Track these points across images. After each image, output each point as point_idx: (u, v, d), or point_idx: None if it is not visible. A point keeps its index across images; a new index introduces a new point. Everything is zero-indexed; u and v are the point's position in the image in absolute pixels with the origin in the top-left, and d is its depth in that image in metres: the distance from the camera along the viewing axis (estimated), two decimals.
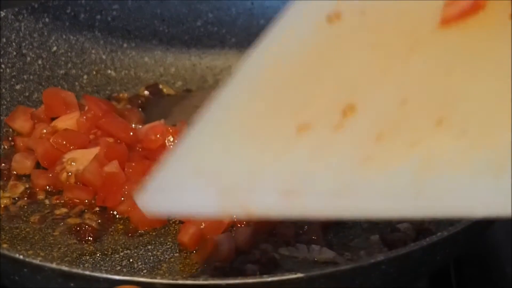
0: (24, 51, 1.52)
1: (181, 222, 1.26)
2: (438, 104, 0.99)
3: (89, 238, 1.24)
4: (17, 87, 1.51)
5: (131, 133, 1.38)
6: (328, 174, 0.98)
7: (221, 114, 1.12)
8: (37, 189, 1.34)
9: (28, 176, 1.37)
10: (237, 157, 1.03)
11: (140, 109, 1.53)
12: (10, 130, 1.46)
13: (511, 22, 1.02)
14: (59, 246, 1.23)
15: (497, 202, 0.89)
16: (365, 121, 1.00)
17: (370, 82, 1.05)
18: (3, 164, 1.39)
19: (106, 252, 1.22)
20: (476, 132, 0.94)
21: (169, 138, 1.35)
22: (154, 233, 1.26)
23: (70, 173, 1.33)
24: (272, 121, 1.07)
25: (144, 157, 1.36)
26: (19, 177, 1.38)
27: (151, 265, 1.19)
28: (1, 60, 1.49)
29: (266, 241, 1.22)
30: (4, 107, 1.48)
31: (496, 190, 0.90)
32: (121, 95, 1.60)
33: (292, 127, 1.04)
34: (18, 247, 1.23)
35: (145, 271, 1.18)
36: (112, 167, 1.31)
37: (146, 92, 1.61)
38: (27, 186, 1.35)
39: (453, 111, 0.97)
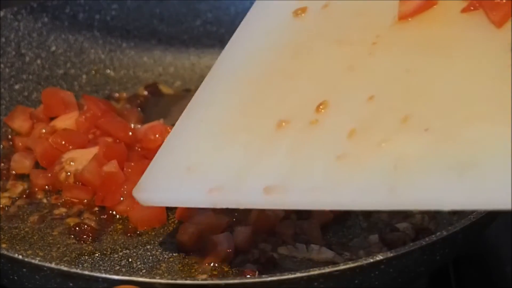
0: (23, 51, 1.52)
1: (181, 222, 1.26)
2: (402, 101, 1.02)
3: (88, 237, 1.24)
4: (16, 86, 1.51)
5: (130, 133, 1.38)
6: (307, 170, 1.02)
7: (204, 112, 1.15)
8: (36, 189, 1.34)
9: (27, 176, 1.37)
10: (223, 155, 1.09)
11: (139, 108, 1.53)
12: (9, 129, 1.46)
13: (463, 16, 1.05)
14: (58, 246, 1.23)
15: (464, 198, 0.92)
16: (337, 117, 1.05)
17: (339, 78, 1.10)
18: (2, 164, 1.39)
19: (105, 252, 1.22)
20: (439, 129, 0.97)
21: None
22: (153, 233, 1.26)
23: (69, 173, 1.33)
24: (253, 118, 1.12)
25: (143, 157, 1.35)
26: (18, 177, 1.37)
27: (150, 264, 1.19)
28: (0, 60, 1.49)
29: (265, 240, 1.22)
30: (3, 106, 1.48)
31: (461, 188, 0.92)
32: (120, 94, 1.60)
33: (272, 123, 1.09)
34: (17, 247, 1.23)
35: (144, 271, 1.18)
36: (111, 166, 1.31)
37: (145, 92, 1.60)
38: (26, 186, 1.35)
39: (416, 108, 1.01)
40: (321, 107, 1.07)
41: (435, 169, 0.94)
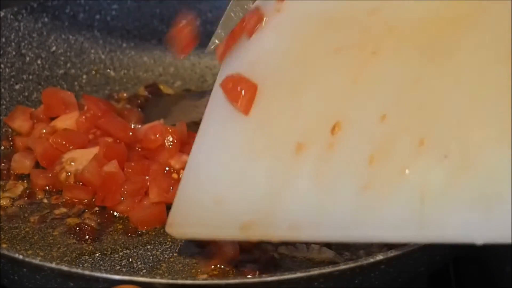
0: (23, 51, 1.52)
1: None
2: (415, 120, 1.00)
3: (89, 237, 1.24)
4: (16, 87, 1.51)
5: (130, 133, 1.38)
6: (333, 205, 1.01)
7: (220, 133, 1.14)
8: (37, 189, 1.34)
9: (27, 176, 1.37)
10: (247, 184, 1.09)
11: (139, 108, 1.53)
12: (10, 130, 1.46)
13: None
14: (59, 246, 1.23)
15: (495, 232, 0.91)
16: (353, 140, 1.03)
17: (346, 93, 1.07)
18: (2, 164, 1.39)
19: (105, 252, 1.22)
20: (458, 154, 0.95)
21: (168, 138, 1.35)
22: (153, 233, 1.26)
23: (69, 173, 1.33)
24: (270, 140, 1.10)
25: (143, 157, 1.36)
26: (18, 177, 1.37)
27: (150, 264, 1.19)
28: (0, 60, 1.49)
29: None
30: (3, 107, 1.48)
31: (491, 222, 0.91)
32: (120, 94, 1.60)
33: (290, 146, 1.08)
34: (18, 247, 1.23)
35: (144, 270, 1.18)
36: (111, 166, 1.31)
37: (145, 92, 1.60)
38: (26, 186, 1.35)
39: (432, 129, 0.98)
40: (336, 129, 1.05)
41: (462, 203, 0.93)
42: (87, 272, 1.02)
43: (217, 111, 1.18)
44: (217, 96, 1.19)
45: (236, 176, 1.11)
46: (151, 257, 1.21)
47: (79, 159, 1.34)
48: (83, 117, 1.41)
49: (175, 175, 1.32)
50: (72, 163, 1.34)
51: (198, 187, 1.14)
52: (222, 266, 1.17)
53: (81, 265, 1.19)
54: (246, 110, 1.14)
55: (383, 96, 1.04)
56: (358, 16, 1.11)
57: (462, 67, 1.00)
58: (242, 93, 1.15)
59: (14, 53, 1.51)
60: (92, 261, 1.20)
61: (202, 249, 1.21)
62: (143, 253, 1.22)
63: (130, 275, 1.02)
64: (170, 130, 1.36)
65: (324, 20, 1.14)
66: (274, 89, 1.14)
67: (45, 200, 1.33)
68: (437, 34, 1.04)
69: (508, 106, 0.94)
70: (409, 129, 1.00)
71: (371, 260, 1.03)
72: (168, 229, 1.16)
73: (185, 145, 1.36)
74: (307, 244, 1.21)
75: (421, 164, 0.97)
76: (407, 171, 0.97)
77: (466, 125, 0.96)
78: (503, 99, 0.95)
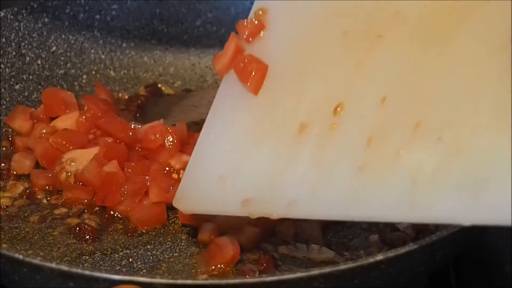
0: (23, 51, 1.52)
1: (184, 225, 1.26)
2: (413, 104, 1.03)
3: (89, 237, 1.24)
4: (16, 87, 1.51)
5: (130, 133, 1.38)
6: (331, 184, 1.05)
7: (228, 115, 1.17)
8: (37, 189, 1.34)
9: (27, 176, 1.37)
10: (251, 162, 1.13)
11: (139, 108, 1.54)
12: (10, 130, 1.46)
13: None
14: (59, 246, 1.23)
15: (481, 215, 0.94)
16: (354, 121, 1.07)
17: (350, 76, 1.10)
18: (2, 164, 1.39)
19: (105, 252, 1.22)
20: (450, 139, 0.98)
21: (168, 138, 1.35)
22: (153, 233, 1.26)
23: (69, 173, 1.33)
24: (275, 121, 1.14)
25: (143, 157, 1.36)
26: (18, 177, 1.38)
27: (150, 264, 1.19)
28: (1, 60, 1.49)
29: (266, 240, 1.22)
30: (3, 107, 1.48)
31: (477, 205, 0.94)
32: (120, 94, 1.60)
33: (293, 127, 1.11)
34: (18, 246, 1.23)
35: (144, 270, 1.18)
36: (112, 166, 1.31)
37: (145, 92, 1.61)
38: (26, 186, 1.35)
39: (427, 113, 1.02)
40: (338, 109, 1.09)
41: (451, 186, 0.96)
42: (87, 272, 1.02)
43: (228, 91, 1.21)
44: (230, 77, 1.21)
45: (241, 154, 1.14)
46: (151, 257, 1.21)
47: (79, 159, 1.34)
48: (83, 117, 1.41)
49: (175, 175, 1.32)
50: (72, 163, 1.34)
51: (205, 163, 1.18)
52: (222, 266, 1.17)
53: (81, 265, 1.19)
54: (255, 90, 1.18)
55: (385, 79, 1.07)
56: (366, 1, 1.13)
57: (459, 56, 1.03)
58: (253, 73, 1.19)
59: (14, 53, 1.51)
60: (92, 261, 1.20)
61: (202, 249, 1.22)
62: (143, 253, 1.22)
63: (130, 275, 1.02)
64: (170, 130, 1.35)
65: (333, 5, 1.17)
66: (282, 72, 1.17)
67: (45, 200, 1.33)
68: (438, 22, 1.07)
69: (501, 95, 0.97)
70: (407, 112, 1.03)
71: (371, 260, 1.03)
72: (175, 203, 1.19)
73: (185, 145, 1.36)
74: (307, 244, 1.21)
75: (416, 146, 1.00)
76: (401, 152, 1.01)
77: (460, 111, 0.99)
78: (496, 89, 0.98)
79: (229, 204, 1.13)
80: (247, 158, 1.14)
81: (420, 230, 1.23)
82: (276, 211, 1.09)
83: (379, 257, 1.04)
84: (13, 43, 1.51)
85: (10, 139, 1.45)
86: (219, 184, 1.14)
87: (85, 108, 1.43)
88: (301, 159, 1.09)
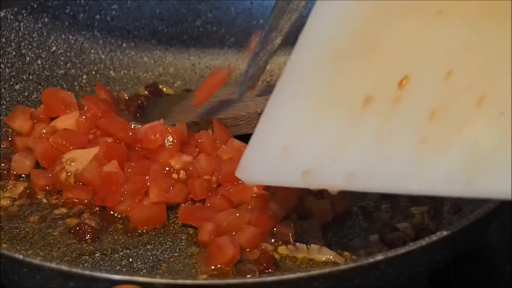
0: (23, 51, 1.52)
1: (184, 225, 1.26)
2: (478, 78, 1.03)
3: (89, 237, 1.24)
4: (17, 87, 1.51)
5: (130, 133, 1.38)
6: (393, 155, 1.05)
7: (295, 87, 1.18)
8: (37, 189, 1.34)
9: (27, 176, 1.37)
10: (315, 134, 1.13)
11: (139, 108, 1.54)
12: (10, 130, 1.46)
13: None
14: (59, 246, 1.23)
15: None
16: (419, 94, 1.06)
17: (416, 50, 1.09)
18: (2, 164, 1.39)
19: (105, 252, 1.22)
20: None
21: (168, 138, 1.35)
22: (153, 233, 1.26)
23: (69, 173, 1.33)
24: (340, 94, 1.13)
25: (143, 157, 1.36)
26: (18, 177, 1.38)
27: (150, 264, 1.19)
28: (1, 60, 1.49)
29: (266, 240, 1.22)
30: (3, 107, 1.48)
31: None
32: (120, 94, 1.60)
33: (358, 99, 1.11)
34: (18, 246, 1.23)
35: (144, 270, 1.18)
36: (111, 167, 1.31)
37: (145, 92, 1.61)
38: (26, 186, 1.35)
39: (492, 88, 1.01)
40: (403, 82, 1.08)
41: (509, 160, 0.95)
42: (87, 272, 1.02)
43: (298, 62, 1.21)
44: (301, 48, 1.22)
45: (306, 126, 1.14)
46: (151, 257, 1.21)
47: (79, 159, 1.34)
48: (83, 117, 1.41)
49: (175, 175, 1.32)
50: (72, 163, 1.34)
51: (270, 134, 1.18)
52: (222, 266, 1.17)
53: (81, 265, 1.19)
54: None
55: (450, 53, 1.07)
56: None
57: None
58: None
59: (14, 53, 1.51)
60: (92, 261, 1.20)
61: (202, 249, 1.22)
62: (143, 253, 1.22)
63: (130, 275, 1.02)
64: (170, 130, 1.35)
65: None
66: (349, 45, 1.17)
67: (45, 200, 1.33)
68: None
69: None
70: (471, 86, 1.03)
71: (371, 260, 1.03)
72: (238, 173, 1.19)
73: (185, 145, 1.36)
74: (307, 244, 1.21)
75: (478, 120, 1.00)
76: (464, 126, 1.00)
77: None
78: None
79: (290, 175, 1.12)
80: (311, 130, 1.14)
81: (420, 230, 1.23)
82: (335, 183, 1.08)
83: (379, 257, 1.04)
84: (13, 43, 1.51)
85: (10, 139, 1.45)
86: (282, 155, 1.14)
87: (85, 108, 1.43)
88: (364, 131, 1.08)
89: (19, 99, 1.51)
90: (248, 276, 1.14)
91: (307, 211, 1.26)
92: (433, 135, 1.03)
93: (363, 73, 1.13)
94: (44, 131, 1.40)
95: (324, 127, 1.12)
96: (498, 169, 0.96)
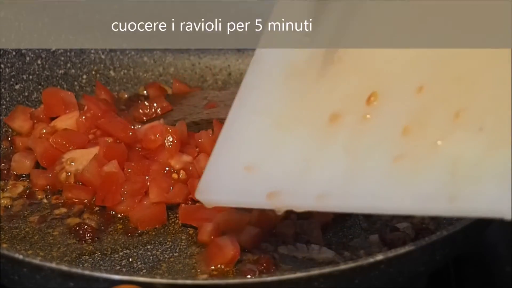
0: (23, 51, 1.52)
1: (184, 225, 1.26)
2: (453, 93, 1.00)
3: (89, 237, 1.24)
4: (17, 87, 1.51)
5: (130, 133, 1.38)
6: (365, 175, 1.01)
7: (255, 103, 1.14)
8: (37, 189, 1.34)
9: (27, 176, 1.37)
10: (278, 153, 1.09)
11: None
12: (10, 129, 1.46)
13: None
14: (59, 245, 1.23)
15: None
16: (389, 111, 1.03)
17: (383, 64, 1.06)
18: (2, 164, 1.39)
19: (105, 252, 1.22)
20: (492, 129, 0.95)
21: (168, 138, 1.35)
22: (153, 233, 1.26)
23: (69, 173, 1.33)
24: (304, 110, 1.10)
25: (143, 157, 1.36)
26: (18, 177, 1.38)
27: (150, 264, 1.19)
28: (1, 60, 1.49)
29: (266, 240, 1.22)
30: (3, 107, 1.48)
31: None
32: (120, 94, 1.60)
33: (324, 117, 1.07)
34: (18, 246, 1.23)
35: (144, 270, 1.18)
36: (112, 166, 1.31)
37: (145, 92, 1.61)
38: (26, 186, 1.35)
39: (468, 102, 0.98)
40: (372, 98, 1.05)
41: (493, 177, 0.93)
42: (87, 272, 1.02)
43: (257, 79, 1.17)
44: (259, 65, 1.18)
45: (270, 144, 1.11)
46: (151, 257, 1.21)
47: (79, 159, 1.34)
48: (83, 117, 1.41)
49: (175, 175, 1.32)
50: (72, 163, 1.34)
51: (230, 153, 1.14)
52: (222, 266, 1.17)
53: (81, 265, 1.19)
54: None
55: (422, 68, 1.04)
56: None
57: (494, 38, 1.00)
58: None
59: (14, 53, 1.51)
60: (92, 261, 1.20)
61: (202, 249, 1.22)
62: (143, 253, 1.22)
63: (130, 275, 1.02)
64: (170, 130, 1.35)
65: None
66: (309, 62, 1.14)
67: (45, 200, 1.33)
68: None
69: None
70: (446, 101, 1.00)
71: (371, 260, 1.03)
72: (198, 195, 1.14)
73: (185, 145, 1.36)
74: (307, 244, 1.21)
75: (456, 136, 0.97)
76: (440, 143, 0.98)
77: (502, 99, 0.96)
78: None
79: (254, 197, 1.08)
80: (275, 148, 1.10)
81: (420, 230, 1.23)
82: (304, 204, 1.05)
83: (379, 257, 1.04)
84: (13, 43, 1.51)
85: (10, 139, 1.45)
86: (244, 176, 1.10)
87: (85, 108, 1.43)
88: (333, 149, 1.05)
89: (19, 99, 1.51)
90: (248, 276, 1.14)
91: (307, 211, 1.26)
92: (408, 151, 0.99)
93: (327, 89, 1.10)
94: (44, 131, 1.40)
95: (289, 146, 1.09)
96: (481, 186, 0.93)
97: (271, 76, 1.16)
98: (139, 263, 1.20)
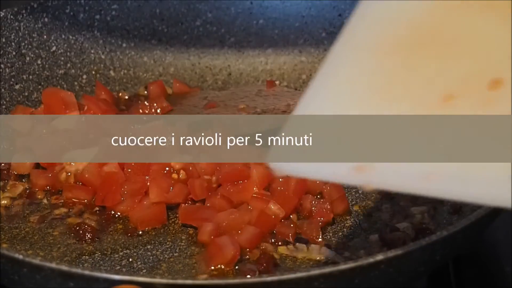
0: (23, 51, 1.52)
1: (184, 225, 1.26)
2: None
3: (89, 237, 1.24)
4: (17, 87, 1.51)
5: (130, 133, 1.38)
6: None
7: (350, 75, 0.99)
8: (37, 189, 1.34)
9: (27, 176, 1.37)
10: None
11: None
12: (10, 129, 1.46)
13: None
14: (59, 246, 1.23)
15: None
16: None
17: (505, 49, 0.95)
18: (2, 164, 1.39)
19: (105, 252, 1.22)
20: None
21: (168, 138, 1.35)
22: (153, 233, 1.26)
23: (69, 173, 1.33)
24: (409, 86, 0.98)
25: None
26: (18, 177, 1.37)
27: (150, 264, 1.19)
28: (1, 60, 1.49)
29: (266, 240, 1.22)
30: (3, 106, 1.48)
31: None
32: (120, 94, 1.60)
33: (436, 96, 0.95)
34: (18, 246, 1.23)
35: (144, 270, 1.18)
36: (111, 166, 1.31)
37: (145, 92, 1.61)
38: (26, 186, 1.35)
39: None
40: (494, 84, 0.93)
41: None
42: (87, 272, 1.02)
43: (350, 48, 1.02)
44: (349, 37, 1.03)
45: (369, 111, 0.96)
46: (151, 257, 1.21)
47: (79, 159, 1.34)
48: (83, 117, 1.41)
49: (175, 175, 1.32)
50: (72, 163, 1.34)
51: (322, 109, 0.97)
52: (222, 266, 1.17)
53: (81, 265, 1.19)
54: None
55: None
56: None
57: None
58: None
59: (14, 53, 1.51)
60: (92, 261, 1.20)
61: (202, 249, 1.22)
62: (143, 253, 1.22)
63: (130, 275, 1.02)
64: (169, 130, 1.35)
65: None
66: (417, 38, 1.00)
67: (45, 200, 1.33)
68: None
69: None
70: None
71: (371, 260, 1.03)
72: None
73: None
74: (307, 244, 1.21)
75: None
76: None
77: None
78: None
79: (340, 168, 0.93)
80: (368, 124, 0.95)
81: (420, 230, 1.23)
82: (384, 183, 0.91)
83: (379, 257, 1.04)
84: (13, 43, 1.51)
85: (10, 139, 1.45)
86: (329, 148, 0.94)
87: (85, 108, 1.43)
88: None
89: (19, 99, 1.51)
90: (248, 276, 1.14)
91: (307, 211, 1.26)
92: None
93: (439, 69, 0.97)
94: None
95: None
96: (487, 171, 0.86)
97: (367, 43, 1.01)
98: (139, 263, 1.20)
